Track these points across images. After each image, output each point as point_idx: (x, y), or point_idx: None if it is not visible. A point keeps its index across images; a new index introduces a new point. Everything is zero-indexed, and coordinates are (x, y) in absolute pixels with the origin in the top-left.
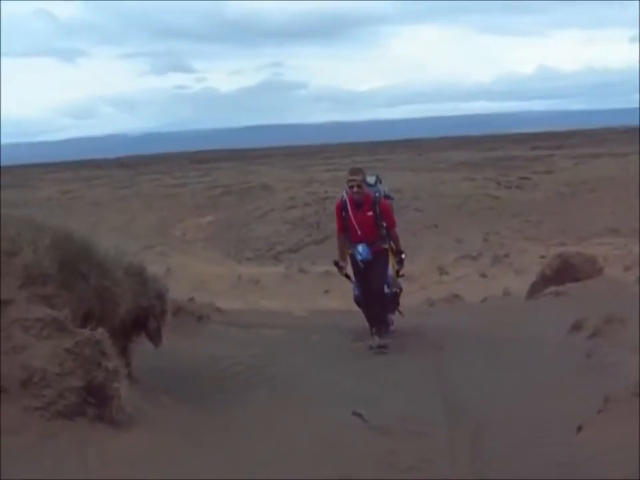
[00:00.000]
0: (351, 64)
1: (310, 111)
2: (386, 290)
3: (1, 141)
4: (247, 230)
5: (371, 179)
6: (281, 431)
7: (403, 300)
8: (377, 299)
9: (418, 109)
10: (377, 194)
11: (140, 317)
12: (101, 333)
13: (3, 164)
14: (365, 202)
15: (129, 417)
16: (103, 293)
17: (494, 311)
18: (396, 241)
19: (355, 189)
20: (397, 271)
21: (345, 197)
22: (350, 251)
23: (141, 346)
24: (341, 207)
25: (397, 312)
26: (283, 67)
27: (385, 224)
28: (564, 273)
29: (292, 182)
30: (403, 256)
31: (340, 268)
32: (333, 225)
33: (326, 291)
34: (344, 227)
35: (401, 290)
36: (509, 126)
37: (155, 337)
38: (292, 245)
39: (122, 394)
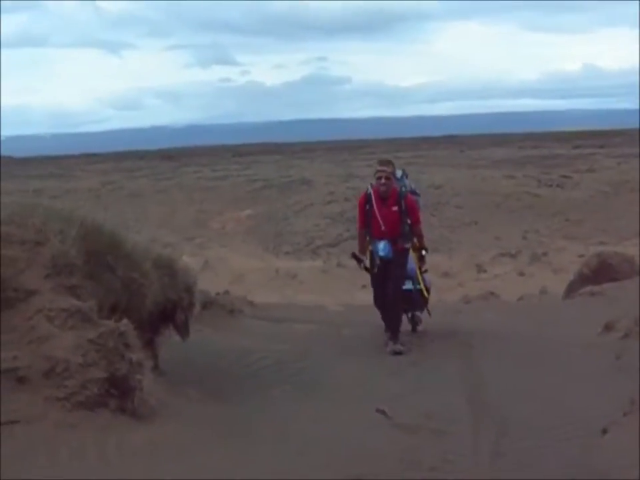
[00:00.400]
0: (395, 59)
1: (353, 106)
2: (410, 286)
3: (45, 131)
4: (286, 224)
5: (397, 173)
6: (304, 426)
7: (440, 296)
8: (393, 301)
9: (461, 106)
10: (403, 188)
11: (168, 309)
12: (125, 324)
13: (47, 154)
14: (391, 196)
15: (151, 409)
16: (130, 285)
17: (529, 309)
18: (420, 238)
19: (383, 181)
20: (419, 267)
21: (370, 189)
22: (370, 248)
23: (169, 338)
24: (365, 200)
25: (425, 310)
26: (328, 62)
27: (409, 220)
28: (602, 272)
29: (332, 176)
30: (424, 252)
31: (359, 260)
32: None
33: (363, 286)
34: (366, 222)
35: (428, 288)
36: (553, 124)
37: (183, 330)
38: (330, 240)
39: (145, 386)
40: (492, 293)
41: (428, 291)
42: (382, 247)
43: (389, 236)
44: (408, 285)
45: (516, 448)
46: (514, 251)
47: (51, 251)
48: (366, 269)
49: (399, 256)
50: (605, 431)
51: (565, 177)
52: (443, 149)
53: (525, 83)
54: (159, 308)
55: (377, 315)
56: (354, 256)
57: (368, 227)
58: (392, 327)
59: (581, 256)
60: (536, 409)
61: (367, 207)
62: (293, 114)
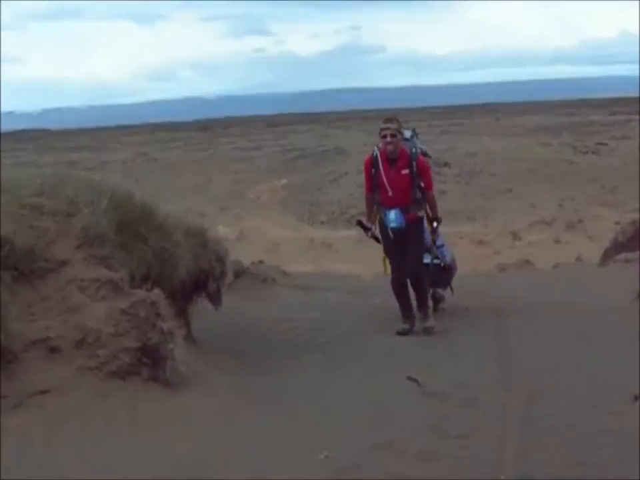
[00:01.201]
0: (430, 27)
1: (388, 75)
2: (428, 260)
3: (80, 103)
4: (321, 193)
5: (406, 132)
6: (334, 394)
7: (475, 264)
8: (417, 279)
9: (496, 73)
10: (414, 149)
11: (200, 278)
12: (156, 294)
13: (82, 125)
14: (400, 158)
15: (183, 378)
16: (161, 254)
17: (564, 277)
18: (433, 206)
19: (389, 139)
20: (433, 241)
21: (377, 151)
22: (379, 216)
23: (202, 308)
24: (371, 163)
25: (448, 288)
26: (362, 30)
27: (421, 185)
28: (637, 239)
29: (367, 146)
30: (435, 224)
31: (366, 229)
32: None
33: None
34: (372, 187)
35: (447, 264)
36: (589, 91)
37: (215, 299)
38: (365, 209)
39: (177, 355)
40: (527, 261)
41: (447, 267)
42: (393, 216)
43: (398, 203)
44: (426, 259)
45: (546, 415)
46: (549, 219)
47: (83, 221)
48: (375, 238)
49: (414, 228)
50: (636, 398)
51: (600, 144)
52: (477, 116)
53: (560, 49)
54: (191, 277)
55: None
56: (359, 224)
57: (376, 193)
58: (420, 302)
59: (617, 223)
60: (568, 377)
61: (373, 170)
62: (327, 83)
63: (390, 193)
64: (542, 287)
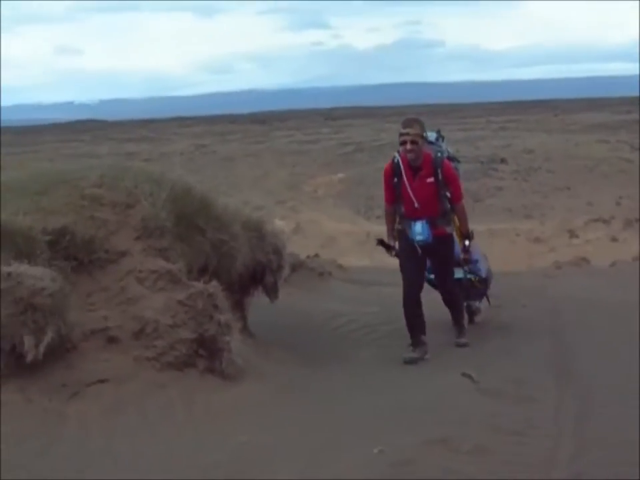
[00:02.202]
0: (489, 22)
1: (446, 70)
2: (460, 275)
3: (138, 95)
4: (378, 188)
5: (431, 135)
6: (389, 389)
7: (531, 262)
8: (447, 298)
9: (555, 70)
10: (439, 154)
11: (257, 271)
12: (214, 286)
13: (141, 117)
14: (424, 165)
15: (239, 370)
16: (219, 247)
17: (621, 275)
18: (462, 220)
19: (409, 146)
20: (463, 260)
21: (398, 157)
22: (399, 227)
23: (258, 300)
24: (392, 172)
25: (485, 299)
26: (421, 25)
27: (449, 194)
28: None
29: None
30: (467, 243)
31: (388, 248)
32: (465, 185)
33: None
34: (394, 198)
35: (481, 279)
36: None
37: (272, 292)
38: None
39: (233, 347)
40: (583, 259)
41: (484, 281)
42: (419, 229)
43: (425, 216)
44: (458, 274)
45: (601, 413)
46: (607, 217)
47: (142, 213)
48: (397, 256)
49: (443, 247)
50: None
51: None
52: (535, 113)
53: (617, 46)
54: (248, 270)
55: None
56: (381, 243)
57: (398, 205)
58: (456, 319)
59: None
60: (624, 376)
61: (395, 179)
62: (385, 77)
63: (416, 205)
64: (598, 285)
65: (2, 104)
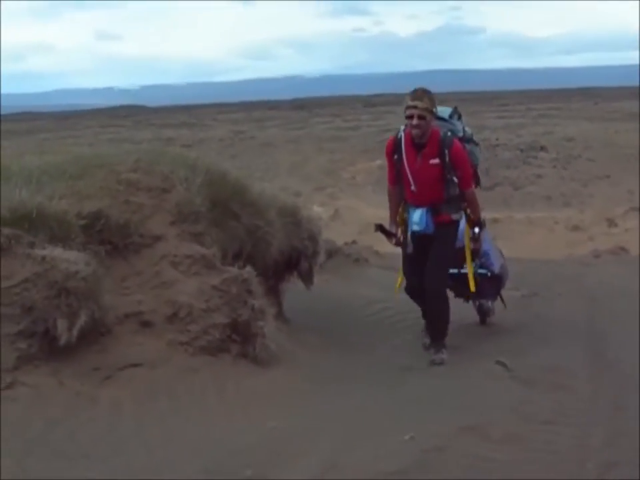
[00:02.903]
0: (530, 9)
1: (487, 57)
2: (483, 270)
3: (178, 81)
4: None
5: (444, 111)
6: (423, 376)
7: (569, 250)
8: (432, 292)
9: (596, 57)
10: (449, 133)
11: (292, 257)
12: (248, 271)
13: (181, 102)
14: (429, 143)
15: (272, 355)
16: (254, 232)
17: None
18: (473, 207)
19: (415, 121)
20: (473, 251)
21: (402, 133)
22: (405, 215)
23: (294, 286)
24: (393, 148)
25: (499, 299)
26: (462, 11)
27: (456, 179)
28: None
29: None
30: (477, 230)
31: (388, 235)
32: (505, 172)
33: (492, 239)
34: (396, 178)
35: (494, 273)
36: None
37: (307, 278)
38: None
39: (267, 332)
40: (622, 248)
41: (495, 276)
42: (416, 218)
43: (426, 201)
44: (482, 270)
45: (636, 402)
46: None
47: (177, 198)
48: (400, 244)
49: (443, 231)
50: None
51: None
52: (576, 101)
53: None
54: (284, 256)
55: (508, 266)
56: (380, 228)
57: (400, 186)
58: (433, 330)
59: None
60: None
61: (396, 156)
62: (426, 64)
63: (413, 188)
64: (637, 274)
65: (43, 89)
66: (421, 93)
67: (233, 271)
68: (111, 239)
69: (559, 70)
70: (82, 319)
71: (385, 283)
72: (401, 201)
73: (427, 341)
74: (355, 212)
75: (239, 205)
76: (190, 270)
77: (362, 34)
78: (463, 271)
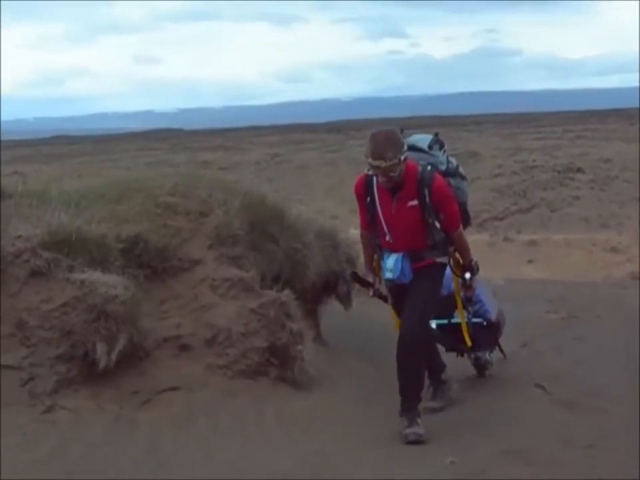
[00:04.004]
0: (566, 31)
1: (523, 78)
2: (456, 320)
3: (216, 104)
4: None
5: (422, 140)
6: (460, 400)
7: (607, 271)
8: (406, 344)
9: (632, 78)
10: (429, 167)
11: (330, 280)
12: (287, 294)
13: (217, 126)
14: (406, 183)
15: (311, 379)
16: (292, 255)
17: None
18: (462, 250)
19: (382, 179)
20: (464, 299)
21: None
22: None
23: (332, 309)
24: (364, 189)
25: (496, 350)
26: (498, 34)
27: (438, 224)
28: None
29: (500, 150)
30: (467, 276)
31: (365, 284)
32: (542, 194)
33: (529, 261)
34: (369, 223)
35: (490, 321)
36: None
37: (345, 300)
38: (497, 213)
39: (305, 356)
40: None
41: (492, 325)
42: (390, 263)
43: (402, 248)
44: (477, 319)
45: None
46: None
47: (215, 221)
48: (380, 296)
49: (425, 271)
50: None
51: None
52: (612, 122)
53: None
54: (322, 279)
55: (541, 290)
56: (355, 277)
57: (375, 230)
58: (406, 393)
59: None
60: None
61: (368, 199)
62: (462, 86)
63: (388, 238)
64: None
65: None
66: (382, 148)
67: (271, 294)
68: (149, 262)
69: (594, 91)
70: (121, 343)
71: None
72: (376, 245)
73: (413, 431)
74: None
75: (277, 228)
76: (228, 293)
77: (398, 56)
78: (453, 320)
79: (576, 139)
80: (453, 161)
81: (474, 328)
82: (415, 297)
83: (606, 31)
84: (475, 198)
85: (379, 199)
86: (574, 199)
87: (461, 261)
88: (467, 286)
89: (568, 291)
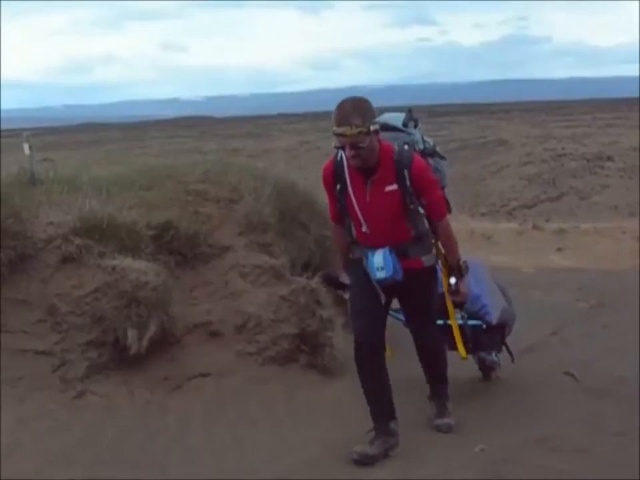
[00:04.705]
0: (596, 18)
1: (552, 66)
2: (476, 322)
3: (243, 91)
4: (482, 185)
5: (396, 117)
6: (488, 386)
7: (636, 261)
8: (427, 353)
9: None
10: (406, 146)
11: None
12: (316, 281)
13: (245, 113)
14: (381, 165)
15: (340, 366)
16: (323, 243)
17: None
18: (448, 245)
19: (350, 152)
20: (455, 303)
21: (342, 153)
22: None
23: None
24: (333, 176)
25: (503, 351)
26: (528, 21)
27: (422, 209)
28: None
29: (529, 137)
30: (452, 281)
31: (338, 286)
32: (571, 182)
33: (559, 249)
34: (340, 215)
35: (491, 323)
36: None
37: None
38: (526, 201)
39: (335, 343)
40: None
41: (499, 327)
42: (379, 261)
43: (385, 243)
44: (474, 322)
45: None
46: None
47: (245, 208)
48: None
49: (416, 283)
50: None
51: None
52: None
53: None
54: None
55: (570, 278)
56: (326, 278)
57: (347, 223)
58: (437, 393)
59: None
60: None
61: (338, 186)
62: (491, 74)
63: (365, 229)
64: None
65: (109, 100)
66: (347, 111)
67: (302, 281)
68: (180, 249)
69: (624, 78)
70: (152, 329)
71: None
72: (350, 241)
73: (360, 451)
74: None
75: (308, 215)
76: (258, 280)
77: (426, 44)
78: (450, 322)
79: (606, 127)
80: (429, 140)
81: (472, 331)
82: (417, 307)
83: (635, 18)
84: (504, 186)
85: (351, 184)
86: (603, 187)
87: (447, 259)
88: (453, 292)
89: (597, 279)
